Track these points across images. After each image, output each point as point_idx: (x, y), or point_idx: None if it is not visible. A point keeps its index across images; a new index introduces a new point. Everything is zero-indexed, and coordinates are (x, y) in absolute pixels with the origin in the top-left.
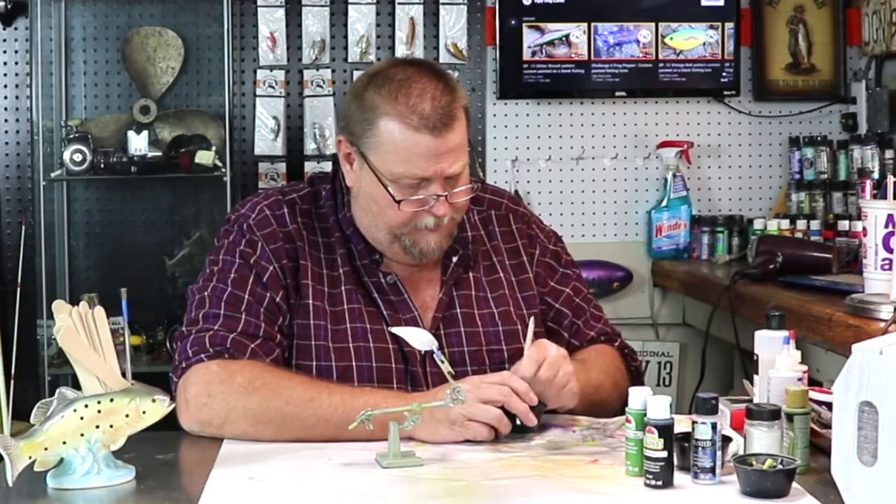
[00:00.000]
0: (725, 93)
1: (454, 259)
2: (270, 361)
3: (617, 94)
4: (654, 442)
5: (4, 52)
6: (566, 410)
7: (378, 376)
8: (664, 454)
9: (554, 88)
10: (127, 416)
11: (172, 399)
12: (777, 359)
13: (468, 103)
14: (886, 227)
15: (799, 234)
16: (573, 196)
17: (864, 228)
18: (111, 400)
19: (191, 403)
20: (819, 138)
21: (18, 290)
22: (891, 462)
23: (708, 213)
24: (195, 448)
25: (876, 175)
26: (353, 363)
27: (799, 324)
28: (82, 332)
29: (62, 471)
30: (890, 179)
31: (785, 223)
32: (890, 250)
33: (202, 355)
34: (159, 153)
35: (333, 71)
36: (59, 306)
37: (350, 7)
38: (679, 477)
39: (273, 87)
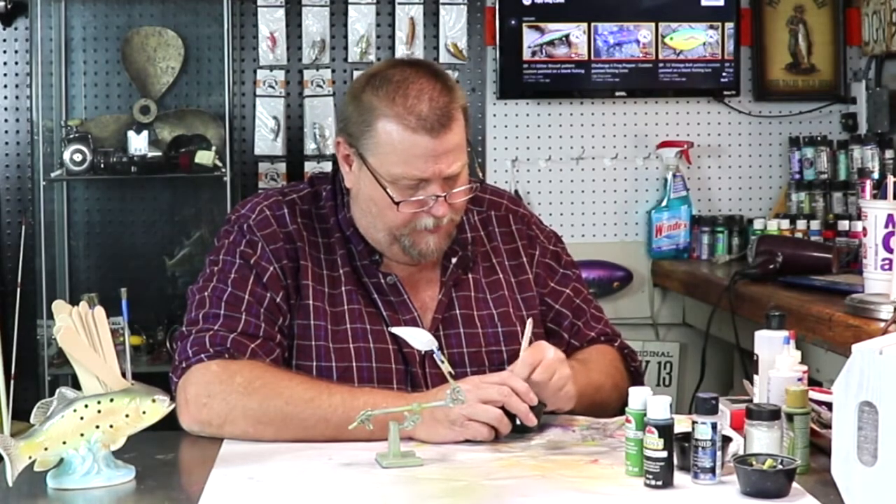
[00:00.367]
0: (725, 93)
1: (454, 260)
2: (270, 361)
3: (617, 94)
4: (654, 442)
5: (4, 52)
6: (565, 411)
7: (378, 377)
8: (664, 454)
9: (554, 88)
10: (127, 416)
11: (172, 399)
12: (777, 359)
13: (467, 103)
14: (886, 227)
15: (799, 234)
16: (573, 196)
17: (864, 228)
18: (111, 400)
19: (191, 403)
20: (819, 138)
21: (18, 290)
22: (891, 462)
23: (708, 213)
24: (195, 448)
25: (876, 175)
26: (353, 364)
27: (799, 324)
28: (82, 332)
29: (62, 471)
30: (890, 179)
31: (785, 223)
32: (890, 250)
33: (202, 355)
34: (159, 153)
35: (333, 71)
36: (59, 306)
37: (350, 7)
38: (679, 477)
39: (273, 87)
